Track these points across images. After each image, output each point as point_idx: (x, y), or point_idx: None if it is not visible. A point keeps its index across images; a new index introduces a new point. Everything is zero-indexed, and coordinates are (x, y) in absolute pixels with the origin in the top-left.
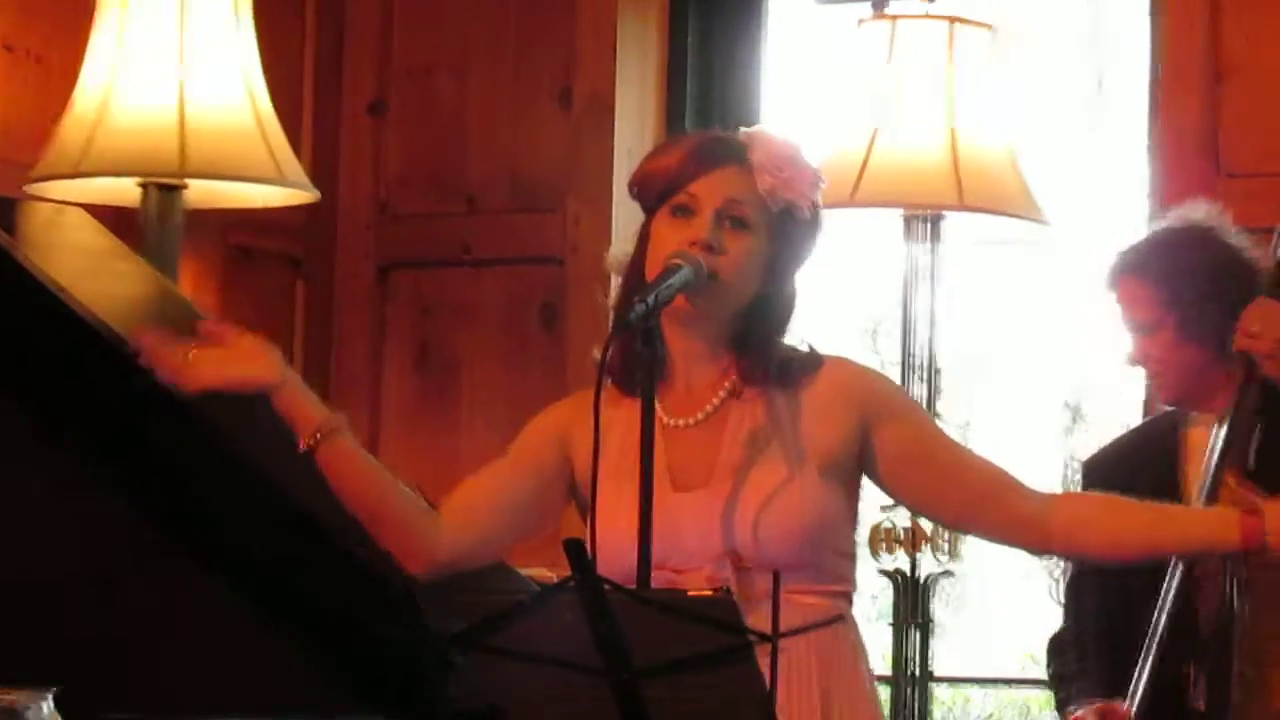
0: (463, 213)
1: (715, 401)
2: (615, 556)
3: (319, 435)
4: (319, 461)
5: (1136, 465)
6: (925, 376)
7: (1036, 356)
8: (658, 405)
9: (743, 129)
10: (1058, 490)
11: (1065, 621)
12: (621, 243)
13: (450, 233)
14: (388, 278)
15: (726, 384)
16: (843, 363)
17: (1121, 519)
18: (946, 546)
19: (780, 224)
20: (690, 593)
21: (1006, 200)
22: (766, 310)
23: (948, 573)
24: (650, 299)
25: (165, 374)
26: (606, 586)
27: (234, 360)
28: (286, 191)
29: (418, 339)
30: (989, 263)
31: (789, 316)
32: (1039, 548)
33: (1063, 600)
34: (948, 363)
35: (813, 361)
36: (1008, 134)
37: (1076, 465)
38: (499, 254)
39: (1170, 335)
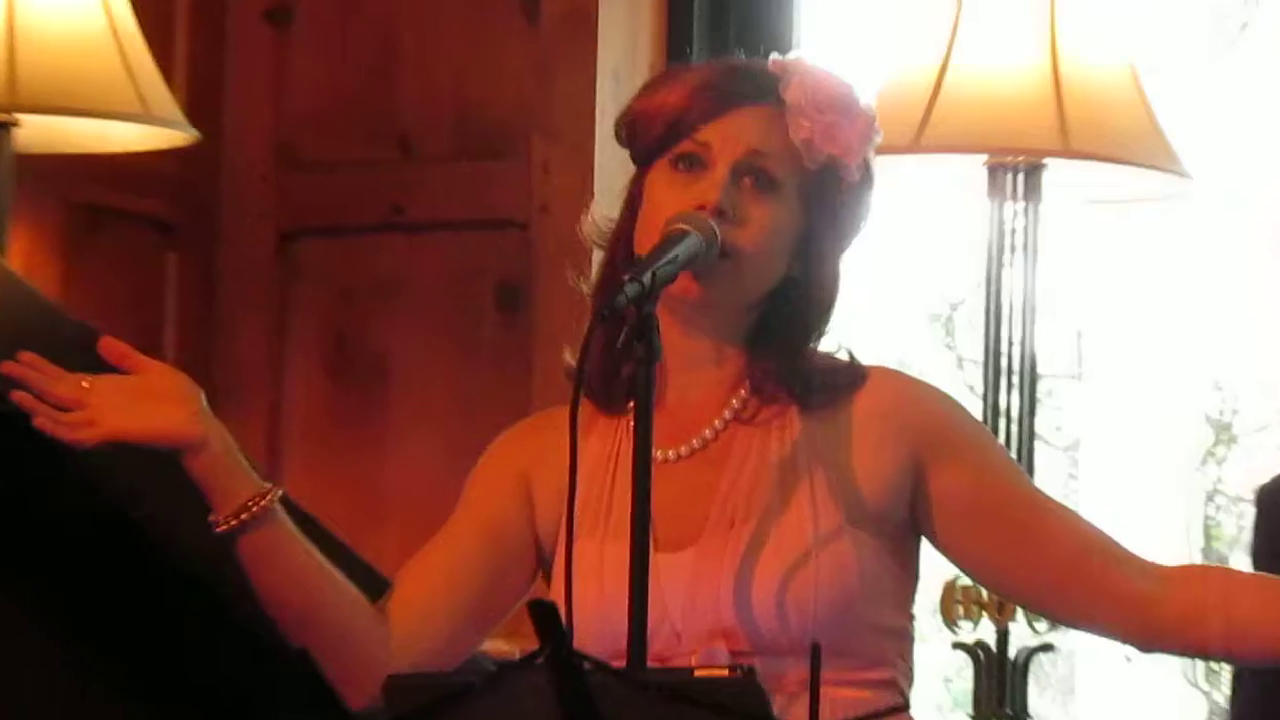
0: (393, 160)
1: (716, 425)
2: (592, 631)
3: (243, 517)
4: (239, 549)
5: None
6: (1018, 381)
7: (1168, 354)
8: (630, 426)
9: (774, 56)
10: (1193, 534)
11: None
12: (605, 204)
13: (376, 187)
14: (291, 248)
15: (733, 401)
16: (890, 377)
17: (1263, 607)
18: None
19: (818, 186)
20: (697, 673)
21: (1128, 144)
22: (794, 301)
23: (1047, 647)
24: (646, 277)
25: (46, 421)
26: (585, 664)
27: (141, 401)
28: (153, 131)
29: (332, 329)
30: (1104, 228)
31: (825, 313)
32: (1145, 642)
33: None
34: (1048, 363)
35: (853, 375)
36: (1129, 53)
37: (1224, 500)
38: (441, 216)
39: None
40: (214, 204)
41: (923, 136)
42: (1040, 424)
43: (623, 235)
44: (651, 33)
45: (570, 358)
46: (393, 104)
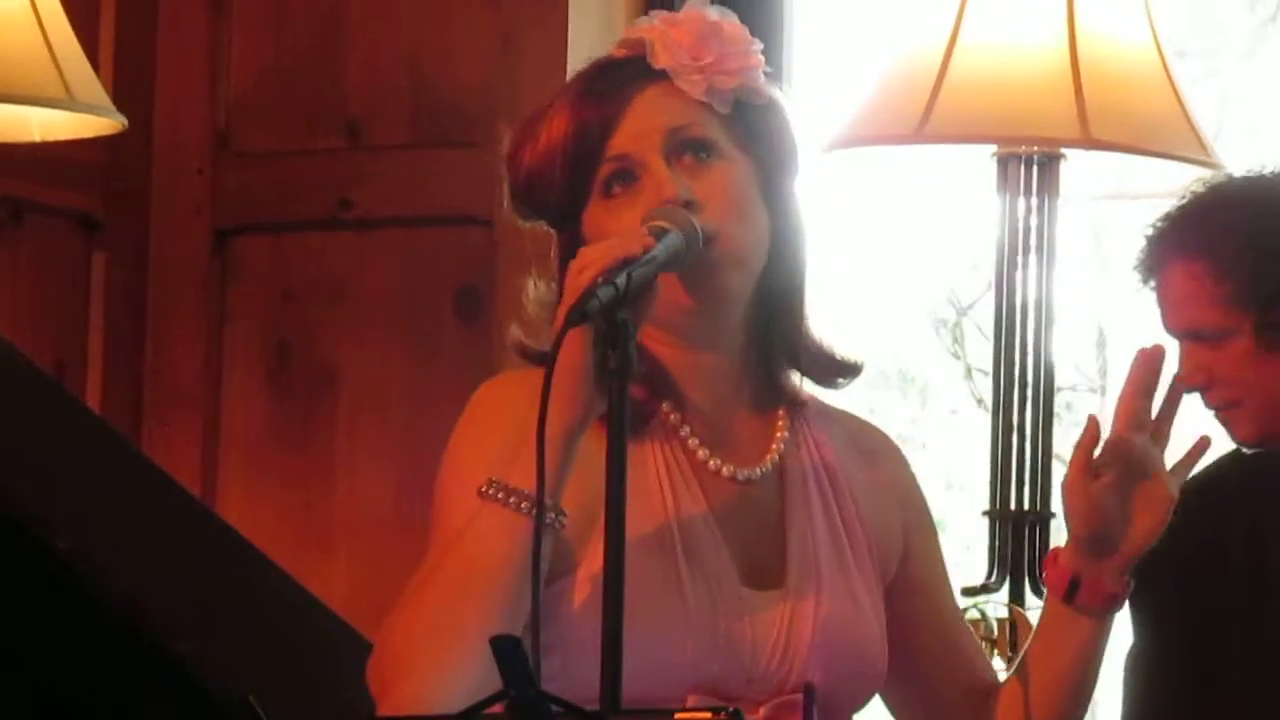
0: (341, 149)
1: (777, 448)
2: (704, 672)
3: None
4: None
5: (1192, 546)
6: (1032, 394)
7: None
8: (691, 441)
9: (625, 35)
10: None
11: None
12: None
13: (322, 179)
14: (229, 246)
15: (781, 421)
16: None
17: (1022, 677)
18: None
19: (743, 126)
20: (678, 715)
21: (1154, 132)
22: (779, 282)
23: None
24: (621, 279)
25: None
26: (556, 707)
27: None
28: (78, 118)
29: (273, 336)
30: (1126, 225)
31: (803, 256)
32: None
33: None
34: (1066, 374)
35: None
36: (1157, 29)
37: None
38: (394, 211)
39: (1247, 345)
40: (144, 198)
41: (927, 124)
42: (1058, 441)
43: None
44: (627, 5)
45: (519, 333)
46: (340, 87)
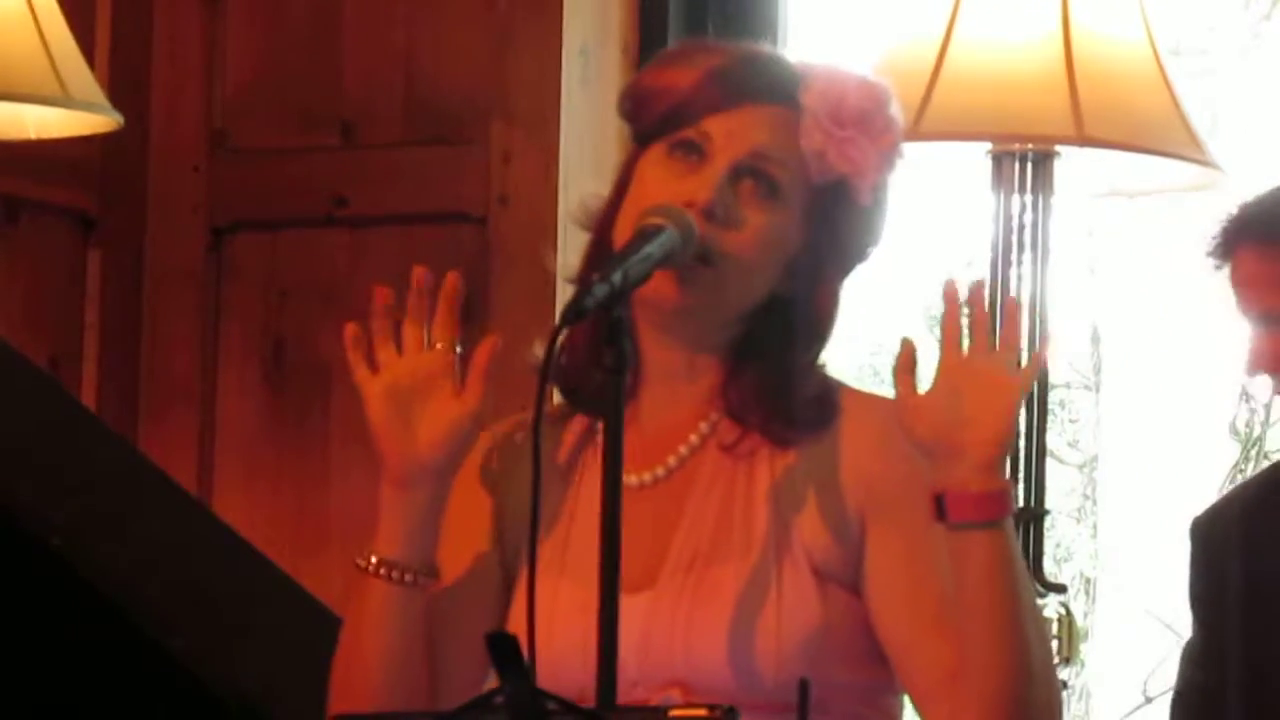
0: (336, 147)
1: (683, 451)
2: (557, 672)
3: (406, 578)
4: (367, 590)
5: (1268, 531)
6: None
7: (1192, 361)
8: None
9: (804, 59)
10: None
11: None
12: (571, 193)
13: (317, 177)
14: (224, 244)
15: (702, 425)
16: (863, 406)
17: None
18: (1057, 645)
19: (824, 202)
20: (673, 712)
21: (1149, 130)
22: (782, 321)
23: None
24: (616, 276)
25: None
26: (551, 704)
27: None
28: (74, 116)
29: (269, 333)
30: (1121, 223)
31: (817, 340)
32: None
33: None
34: (1063, 371)
35: (824, 411)
36: (1151, 27)
37: None
38: (389, 208)
39: None
40: (140, 196)
41: (921, 121)
42: (1053, 439)
43: (606, 219)
44: (623, 4)
45: (539, 350)
46: (335, 85)
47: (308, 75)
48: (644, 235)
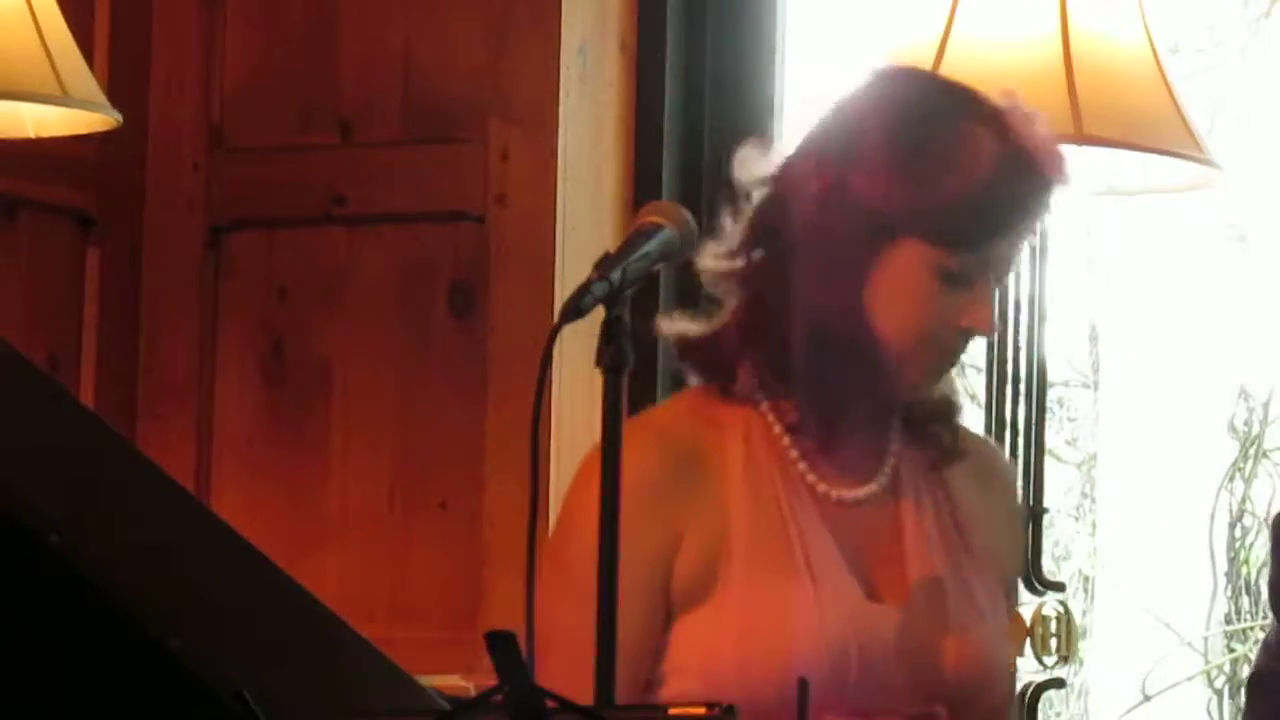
0: (334, 145)
1: (888, 471)
2: (774, 688)
3: None
4: None
5: None
6: (1025, 389)
7: (1191, 359)
8: (799, 462)
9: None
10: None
11: None
12: (569, 192)
13: (315, 175)
14: (223, 242)
15: (893, 442)
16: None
17: None
18: (1056, 644)
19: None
20: (672, 710)
21: (1148, 128)
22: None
23: (1057, 682)
24: (615, 274)
25: None
26: (550, 701)
27: None
28: (71, 114)
29: (268, 331)
30: (1120, 221)
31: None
32: None
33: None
34: (1059, 369)
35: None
36: (1149, 26)
37: (1252, 521)
38: (387, 207)
39: None
40: (138, 194)
41: None
42: (1051, 437)
43: (836, 287)
44: (622, 2)
45: (665, 327)
46: (333, 83)
47: (306, 74)
48: (643, 234)
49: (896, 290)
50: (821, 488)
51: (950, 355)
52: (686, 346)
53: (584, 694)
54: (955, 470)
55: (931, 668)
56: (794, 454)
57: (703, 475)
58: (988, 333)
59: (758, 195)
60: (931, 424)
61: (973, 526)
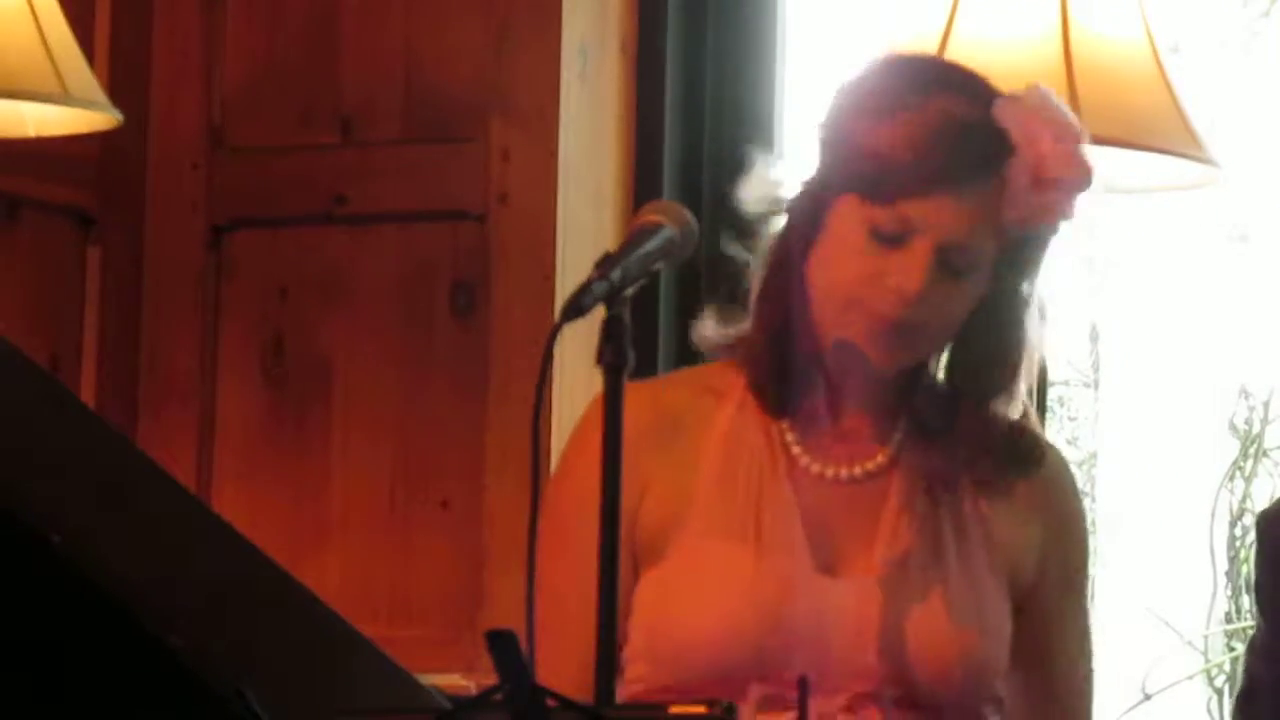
0: (335, 144)
1: (888, 453)
2: (734, 646)
3: None
4: None
5: None
6: (1027, 390)
7: (1192, 358)
8: (789, 436)
9: (1001, 103)
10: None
11: None
12: (569, 191)
13: (317, 175)
14: (224, 242)
15: (899, 430)
16: (1066, 471)
17: None
18: None
19: (1015, 251)
20: (673, 709)
21: (1148, 127)
22: (979, 332)
23: None
24: (615, 273)
25: None
26: (550, 700)
27: None
28: (72, 113)
29: (269, 330)
30: (1120, 219)
31: (1011, 356)
32: None
33: None
34: (1062, 369)
35: (1031, 454)
36: (1150, 24)
37: (1254, 519)
38: (389, 206)
39: None
40: (139, 193)
41: None
42: (1051, 436)
43: (791, 258)
44: (622, 2)
45: (704, 331)
46: (334, 82)
47: (307, 73)
48: (643, 233)
49: (831, 247)
50: (805, 461)
51: (886, 322)
52: (725, 346)
53: (564, 639)
54: (993, 470)
55: (886, 649)
56: (783, 426)
57: (678, 436)
58: (909, 295)
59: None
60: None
61: (989, 523)
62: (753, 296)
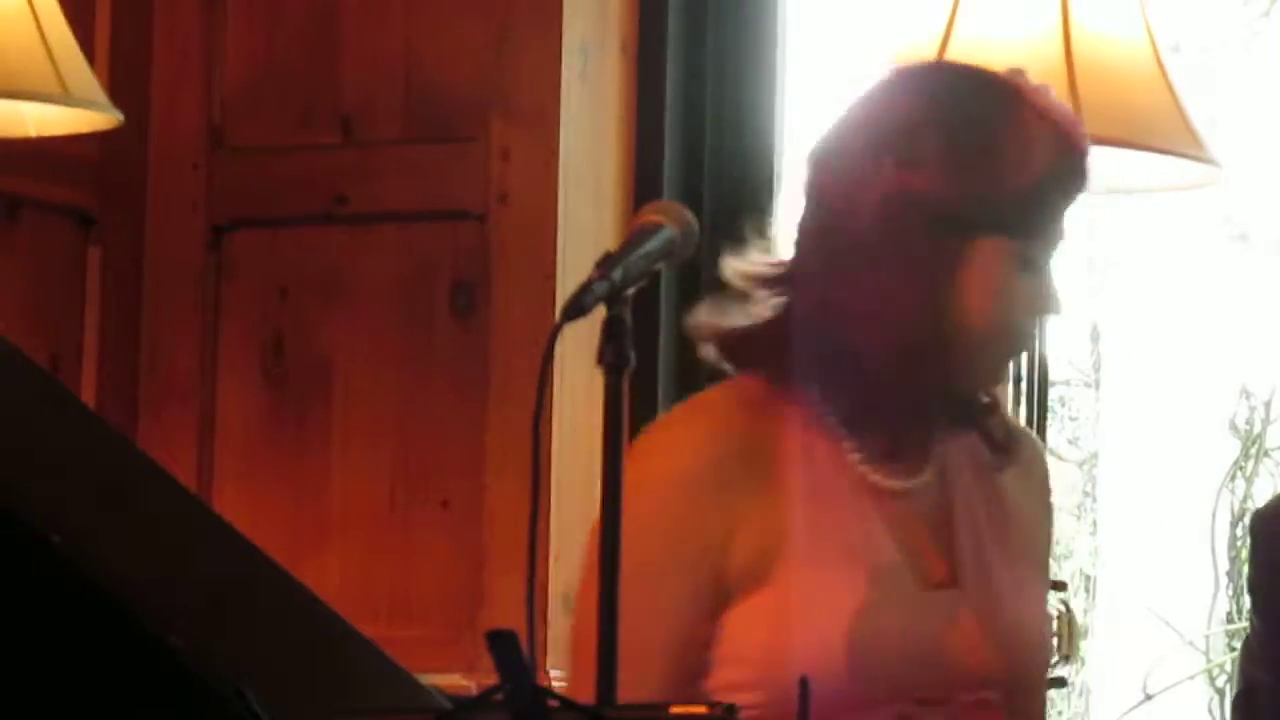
0: (335, 144)
1: (939, 458)
2: (832, 677)
3: None
4: None
5: None
6: (1026, 388)
7: (1193, 358)
8: (855, 456)
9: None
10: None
11: None
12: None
13: (317, 174)
14: (224, 242)
15: (939, 433)
16: (1037, 443)
17: None
18: (1057, 643)
19: None
20: (673, 709)
21: (1149, 127)
22: None
23: (1059, 681)
24: (616, 273)
25: None
26: (552, 700)
27: None
28: (73, 113)
29: (269, 332)
30: (1121, 220)
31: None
32: None
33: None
34: (1063, 368)
35: (1019, 431)
36: (1150, 24)
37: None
38: (389, 206)
39: None
40: (139, 193)
41: None
42: (1052, 436)
43: (927, 305)
44: (623, 1)
45: (710, 318)
46: (334, 82)
47: (307, 73)
48: (644, 233)
49: (984, 286)
50: (874, 478)
51: (1026, 342)
52: (729, 338)
53: (648, 679)
54: (1012, 471)
55: (984, 654)
56: (848, 444)
57: (760, 463)
58: (1059, 312)
59: (793, 204)
60: (982, 419)
61: (1016, 516)
62: (802, 304)
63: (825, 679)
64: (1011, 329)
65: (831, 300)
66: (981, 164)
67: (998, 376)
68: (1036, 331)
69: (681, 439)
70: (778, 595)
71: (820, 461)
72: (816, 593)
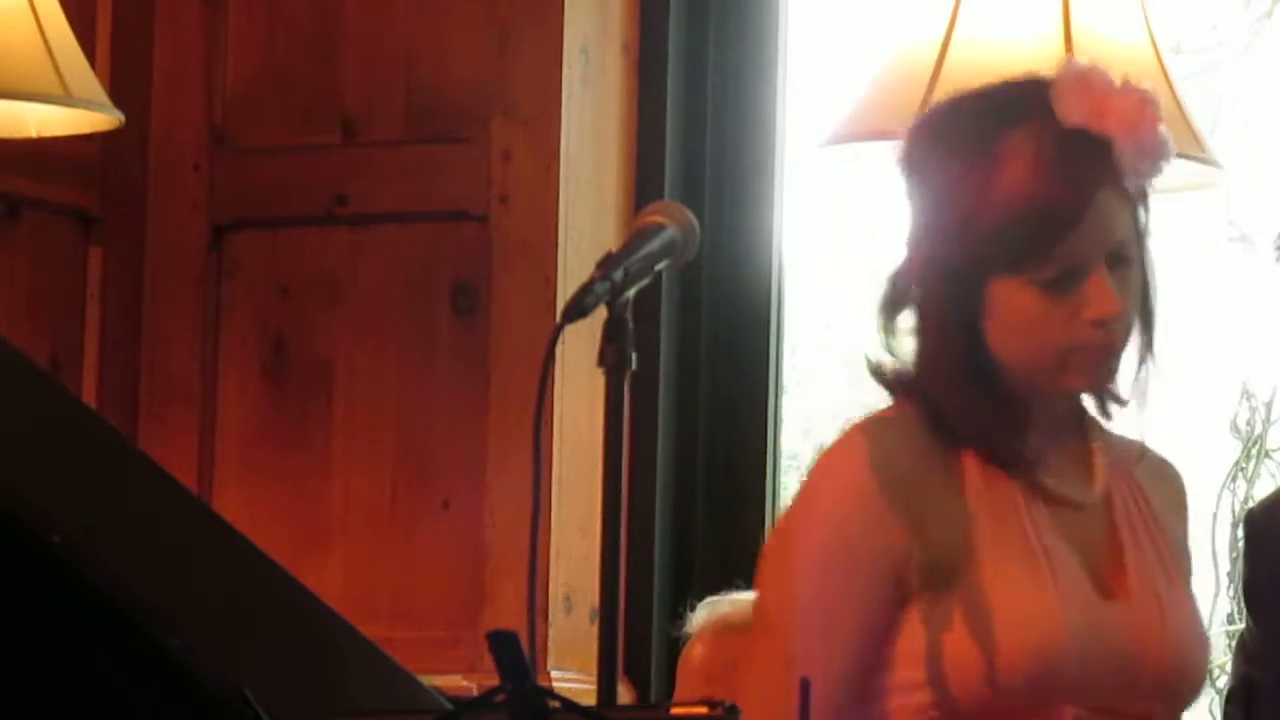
0: (336, 144)
1: (1103, 471)
2: (1023, 677)
3: None
4: None
5: None
6: None
7: (1193, 358)
8: (1040, 468)
9: (1094, 96)
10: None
11: None
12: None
13: (318, 175)
14: (225, 242)
15: (1097, 449)
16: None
17: None
18: None
19: (1142, 221)
20: (674, 709)
21: None
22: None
23: None
24: (618, 274)
25: None
26: (552, 700)
27: None
28: (73, 113)
29: (269, 332)
30: None
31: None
32: None
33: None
34: None
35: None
36: (1151, 25)
37: None
38: (390, 206)
39: None
40: (140, 194)
41: None
42: None
43: (957, 349)
44: (623, 2)
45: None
46: (335, 82)
47: (308, 73)
48: (645, 234)
49: (1010, 326)
50: (1060, 492)
51: (1098, 348)
52: (883, 375)
53: (831, 673)
54: (1142, 473)
55: (1152, 666)
56: (1034, 459)
57: (944, 469)
58: (1111, 317)
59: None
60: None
61: (1171, 541)
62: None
63: (1005, 682)
64: (1060, 349)
65: (919, 351)
66: (959, 212)
67: (1097, 385)
68: (1107, 337)
69: (870, 449)
70: (962, 598)
71: (999, 473)
72: (1005, 600)
